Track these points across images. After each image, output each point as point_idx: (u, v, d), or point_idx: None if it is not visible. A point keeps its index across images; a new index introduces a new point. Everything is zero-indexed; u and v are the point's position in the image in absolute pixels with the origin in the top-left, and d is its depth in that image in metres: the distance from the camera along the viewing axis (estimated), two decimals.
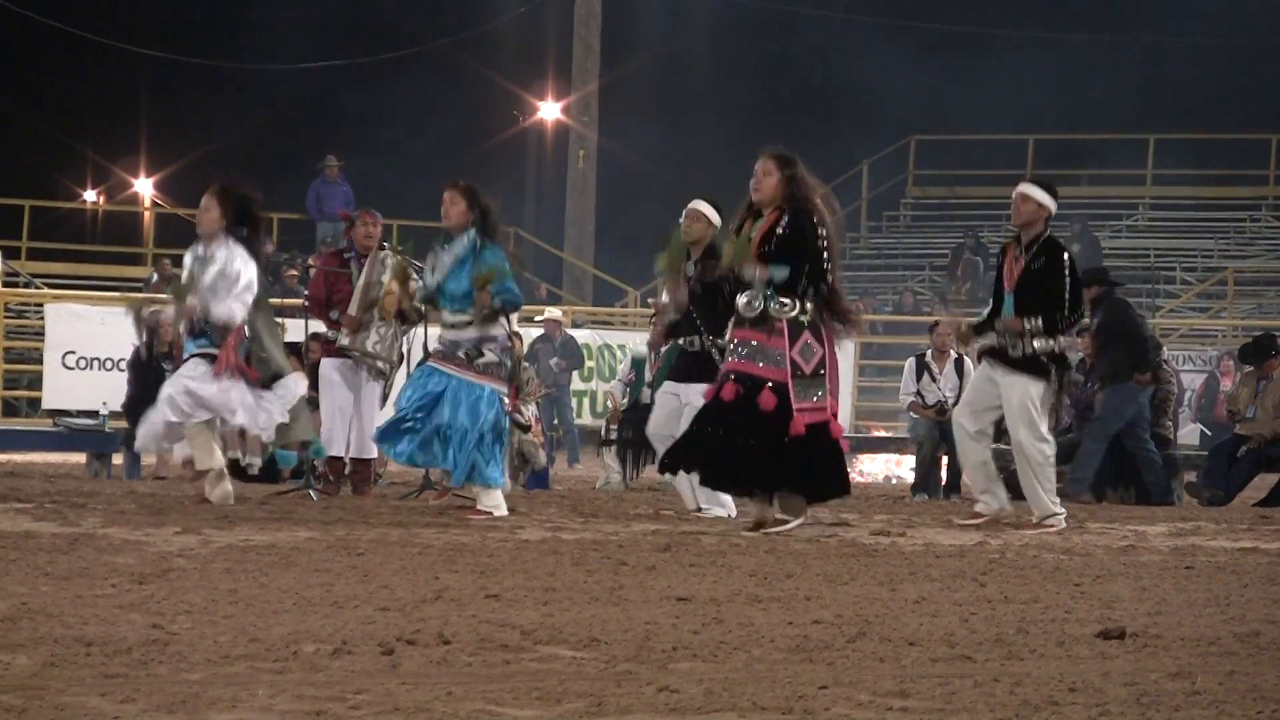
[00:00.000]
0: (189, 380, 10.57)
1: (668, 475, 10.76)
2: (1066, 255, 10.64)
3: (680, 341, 11.02)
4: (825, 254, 9.62)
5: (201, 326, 10.67)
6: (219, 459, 10.63)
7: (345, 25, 36.32)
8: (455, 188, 10.53)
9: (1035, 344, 10.51)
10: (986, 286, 18.06)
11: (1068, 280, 10.50)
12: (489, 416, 10.33)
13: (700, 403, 10.57)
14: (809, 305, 9.64)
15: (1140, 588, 7.51)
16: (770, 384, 9.55)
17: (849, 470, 10.50)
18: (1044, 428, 10.58)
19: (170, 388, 10.65)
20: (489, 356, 10.45)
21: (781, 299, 9.62)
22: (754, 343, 9.66)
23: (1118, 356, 14.36)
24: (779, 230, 9.66)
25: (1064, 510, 10.80)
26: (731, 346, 9.83)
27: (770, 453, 9.57)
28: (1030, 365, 10.52)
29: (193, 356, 10.70)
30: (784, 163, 9.79)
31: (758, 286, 9.61)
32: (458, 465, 10.30)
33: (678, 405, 10.84)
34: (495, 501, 10.40)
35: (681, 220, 11.09)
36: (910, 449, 16.27)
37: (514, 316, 10.85)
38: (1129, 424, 14.45)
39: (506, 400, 10.54)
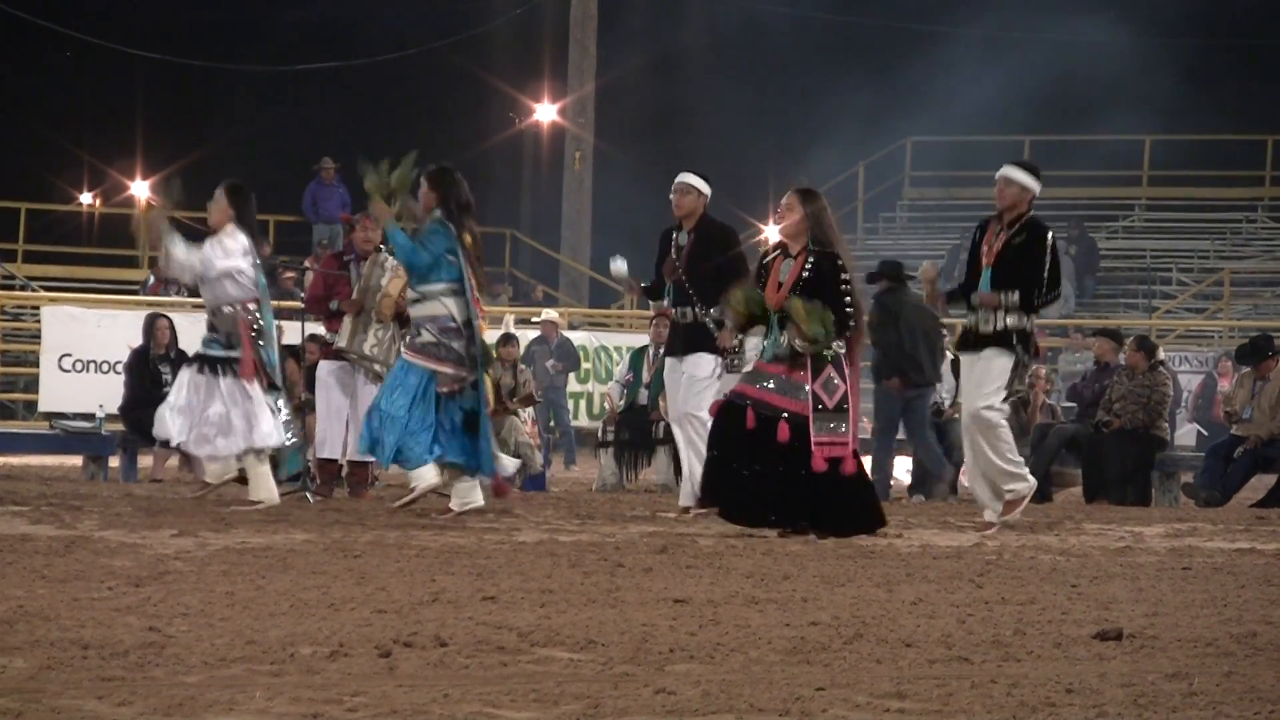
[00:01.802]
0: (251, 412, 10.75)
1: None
2: (1049, 235, 10.59)
3: (674, 313, 11.32)
4: (849, 299, 9.84)
5: (213, 321, 10.89)
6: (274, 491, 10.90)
7: (342, 27, 36.29)
8: (425, 174, 10.43)
9: (1008, 320, 10.47)
10: None
11: (1048, 259, 10.47)
12: (413, 396, 10.13)
13: (701, 374, 10.88)
14: (833, 342, 9.77)
15: (1137, 589, 7.52)
16: (786, 415, 9.59)
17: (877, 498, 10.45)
18: (999, 399, 10.50)
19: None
20: (425, 336, 10.28)
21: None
22: (779, 376, 9.72)
23: (879, 356, 14.29)
24: (804, 273, 9.85)
25: (1031, 479, 10.73)
26: (754, 376, 9.87)
27: (790, 484, 9.58)
28: (1000, 340, 10.47)
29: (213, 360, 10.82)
30: (807, 198, 10.06)
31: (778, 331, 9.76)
32: (385, 449, 10.19)
33: (683, 379, 11.21)
34: (426, 476, 10.16)
35: (671, 195, 11.22)
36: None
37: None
38: (912, 425, 14.40)
39: (450, 384, 10.20)
